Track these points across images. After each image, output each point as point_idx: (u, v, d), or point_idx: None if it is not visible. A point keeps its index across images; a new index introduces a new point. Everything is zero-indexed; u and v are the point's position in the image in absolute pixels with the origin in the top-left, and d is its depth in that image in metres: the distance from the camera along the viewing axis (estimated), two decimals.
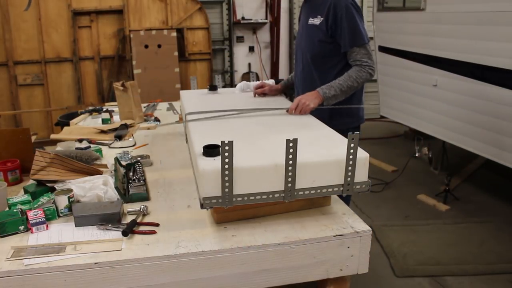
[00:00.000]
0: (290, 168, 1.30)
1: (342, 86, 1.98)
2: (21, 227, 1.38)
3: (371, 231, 1.40)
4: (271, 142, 1.51)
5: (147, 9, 5.56)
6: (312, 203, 1.51)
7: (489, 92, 3.12)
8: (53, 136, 2.54)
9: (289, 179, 1.31)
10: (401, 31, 4.07)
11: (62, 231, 1.39)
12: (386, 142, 5.40)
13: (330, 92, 1.97)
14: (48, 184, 1.65)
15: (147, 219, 1.47)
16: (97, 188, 1.57)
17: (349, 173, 1.36)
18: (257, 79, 6.17)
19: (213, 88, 2.46)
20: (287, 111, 1.96)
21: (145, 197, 1.62)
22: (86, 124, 2.84)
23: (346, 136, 1.98)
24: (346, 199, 2.26)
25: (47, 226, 1.40)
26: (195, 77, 2.89)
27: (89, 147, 2.17)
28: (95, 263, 1.22)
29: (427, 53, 3.75)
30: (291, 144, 1.27)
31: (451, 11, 3.46)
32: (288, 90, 2.46)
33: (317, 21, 2.08)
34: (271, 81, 2.51)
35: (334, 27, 2.02)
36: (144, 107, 3.26)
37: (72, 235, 1.36)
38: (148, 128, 2.66)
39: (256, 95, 2.36)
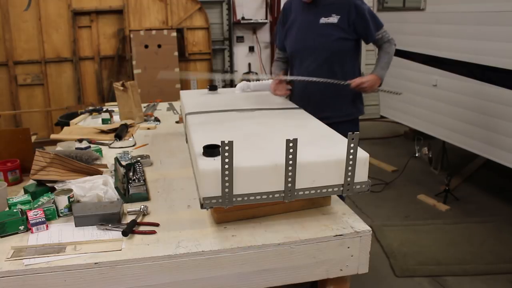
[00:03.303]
0: (290, 168, 1.30)
1: (388, 64, 2.28)
2: (21, 227, 1.38)
3: (371, 231, 1.40)
4: (271, 142, 1.51)
5: (147, 9, 5.56)
6: (312, 203, 1.51)
7: (489, 92, 3.12)
8: (53, 136, 2.54)
9: (289, 179, 1.31)
10: (401, 31, 4.07)
11: (62, 231, 1.39)
12: (386, 142, 5.40)
13: (384, 72, 2.25)
14: (48, 184, 1.65)
15: (147, 219, 1.47)
16: (97, 188, 1.57)
17: (349, 173, 1.36)
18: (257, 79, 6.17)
19: (213, 88, 2.46)
20: (347, 83, 2.16)
21: (145, 197, 1.62)
22: (86, 124, 2.84)
23: (347, 127, 2.11)
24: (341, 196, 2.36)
25: (47, 226, 1.40)
26: (195, 77, 2.88)
27: (89, 147, 2.17)
28: (95, 263, 1.22)
29: (427, 53, 3.75)
30: (291, 144, 1.27)
31: (451, 11, 3.46)
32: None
33: (333, 19, 2.21)
34: (271, 81, 2.51)
35: (357, 23, 2.20)
36: (144, 107, 3.26)
37: (72, 235, 1.36)
38: (148, 128, 2.66)
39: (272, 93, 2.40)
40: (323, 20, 2.22)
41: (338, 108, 2.33)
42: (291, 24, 2.38)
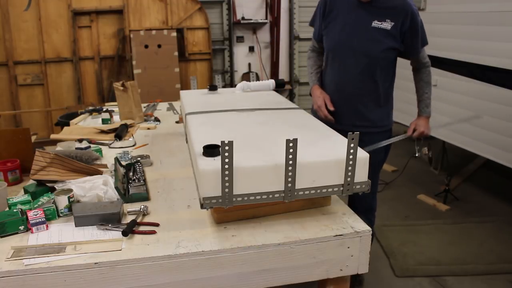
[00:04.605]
0: (290, 168, 1.30)
1: (431, 95, 2.23)
2: (21, 227, 1.38)
3: (371, 231, 1.40)
4: (271, 142, 1.51)
5: (147, 9, 5.56)
6: (312, 203, 1.51)
7: (489, 92, 3.12)
8: (53, 136, 2.54)
9: (289, 179, 1.31)
10: None
11: (62, 231, 1.39)
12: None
13: (430, 108, 2.23)
14: (48, 184, 1.65)
15: (147, 219, 1.47)
16: (97, 188, 1.57)
17: (349, 173, 1.36)
18: (257, 79, 6.17)
19: (213, 88, 2.46)
20: (411, 136, 2.26)
21: (145, 197, 1.62)
22: (86, 124, 2.84)
23: (380, 139, 2.16)
24: (372, 197, 2.35)
25: (47, 226, 1.40)
26: (195, 77, 2.88)
27: (89, 147, 2.17)
28: (95, 263, 1.22)
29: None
30: (291, 144, 1.27)
31: (451, 11, 3.46)
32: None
33: (386, 25, 2.03)
34: (271, 81, 2.51)
35: (408, 34, 2.05)
36: (144, 107, 3.26)
37: (72, 235, 1.36)
38: (148, 128, 2.67)
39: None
40: (376, 23, 2.03)
41: (373, 119, 2.22)
42: (335, 17, 2.15)
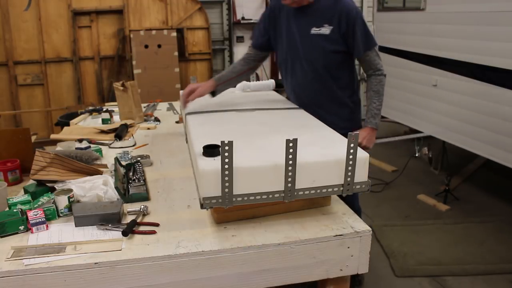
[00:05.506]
0: (290, 168, 1.30)
1: (380, 106, 2.09)
2: (21, 227, 1.38)
3: (371, 231, 1.40)
4: (271, 142, 1.51)
5: (147, 9, 5.56)
6: (312, 203, 1.51)
7: (489, 92, 3.12)
8: (53, 136, 2.54)
9: (289, 179, 1.31)
10: (401, 31, 4.07)
11: (62, 231, 1.39)
12: (386, 142, 5.40)
13: (377, 119, 2.09)
14: (48, 184, 1.65)
15: (147, 219, 1.47)
16: (97, 188, 1.57)
17: (349, 173, 1.36)
18: (257, 79, 6.17)
19: None
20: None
21: (145, 197, 1.62)
22: (86, 124, 2.84)
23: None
24: (354, 198, 2.25)
25: (47, 226, 1.40)
26: (195, 77, 2.88)
27: (89, 147, 2.17)
28: (95, 263, 1.22)
29: (427, 53, 3.75)
30: (291, 144, 1.27)
31: (451, 11, 3.46)
32: (222, 88, 2.24)
33: (325, 30, 2.02)
34: (271, 81, 2.51)
35: (347, 35, 2.01)
36: (144, 107, 3.26)
37: (72, 235, 1.36)
38: (148, 128, 2.67)
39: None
40: (314, 30, 2.04)
41: (335, 122, 2.06)
42: (280, 29, 2.18)
